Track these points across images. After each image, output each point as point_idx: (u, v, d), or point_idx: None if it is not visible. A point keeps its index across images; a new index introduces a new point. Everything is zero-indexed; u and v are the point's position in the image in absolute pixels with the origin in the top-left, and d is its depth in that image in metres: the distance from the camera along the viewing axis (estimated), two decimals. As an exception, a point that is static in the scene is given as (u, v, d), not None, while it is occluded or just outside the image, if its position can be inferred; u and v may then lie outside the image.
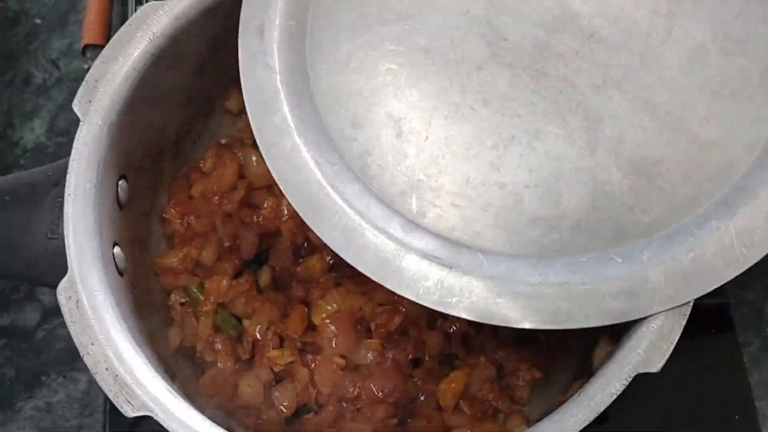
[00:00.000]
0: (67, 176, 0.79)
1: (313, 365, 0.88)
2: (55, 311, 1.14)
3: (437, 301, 0.71)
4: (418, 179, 0.74)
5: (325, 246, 0.92)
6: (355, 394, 0.87)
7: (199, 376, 0.92)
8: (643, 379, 0.73)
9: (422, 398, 0.90)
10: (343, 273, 0.94)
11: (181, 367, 0.93)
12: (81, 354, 0.74)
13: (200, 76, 0.96)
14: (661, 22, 0.77)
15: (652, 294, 0.72)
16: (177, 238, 0.97)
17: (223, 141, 1.02)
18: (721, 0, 0.77)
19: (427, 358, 0.89)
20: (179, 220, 0.96)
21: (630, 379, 0.72)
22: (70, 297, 0.76)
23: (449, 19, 0.78)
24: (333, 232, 0.74)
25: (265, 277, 0.95)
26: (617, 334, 0.84)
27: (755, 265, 0.81)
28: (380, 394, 0.86)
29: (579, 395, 0.72)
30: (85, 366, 0.74)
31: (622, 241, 0.73)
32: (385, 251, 0.72)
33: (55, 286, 0.77)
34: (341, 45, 0.79)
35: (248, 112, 0.78)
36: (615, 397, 0.71)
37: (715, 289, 0.70)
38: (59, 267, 0.77)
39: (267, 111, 0.77)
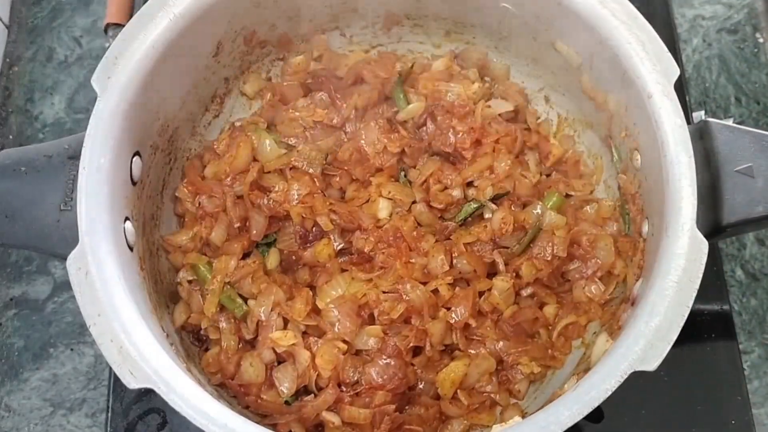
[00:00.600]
0: (83, 150, 0.81)
1: (314, 348, 0.89)
2: (65, 285, 1.16)
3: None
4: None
5: (333, 231, 0.94)
6: (355, 379, 0.88)
7: (203, 354, 0.93)
8: (641, 382, 0.73)
9: (421, 386, 0.91)
10: (349, 260, 0.95)
11: (185, 344, 0.94)
12: (87, 324, 0.76)
13: (218, 58, 0.97)
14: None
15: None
16: (188, 216, 0.98)
17: (238, 123, 1.03)
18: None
19: (428, 347, 0.89)
20: (191, 200, 0.97)
21: (626, 377, 0.72)
22: (80, 268, 0.77)
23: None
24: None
25: (272, 259, 0.96)
26: (615, 332, 0.85)
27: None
28: (380, 380, 0.87)
29: (574, 390, 0.73)
30: (92, 340, 0.75)
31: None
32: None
33: (65, 258, 0.78)
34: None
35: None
36: (610, 393, 0.72)
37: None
38: (71, 239, 0.78)
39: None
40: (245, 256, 0.96)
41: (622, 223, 0.95)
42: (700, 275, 0.76)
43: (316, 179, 0.97)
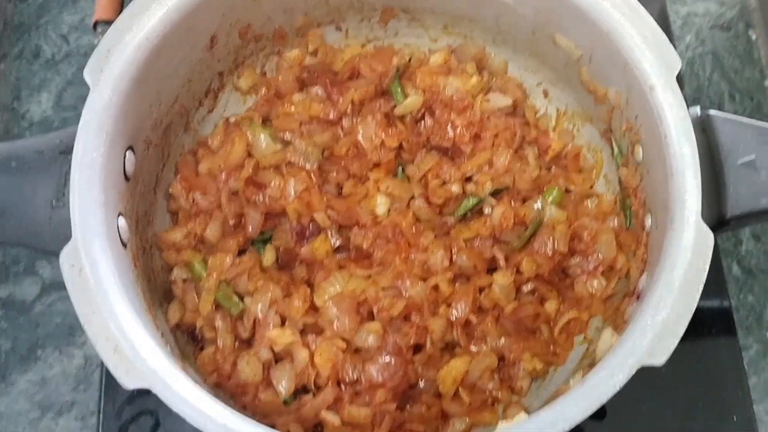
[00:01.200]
0: (75, 143, 0.79)
1: (313, 347, 0.87)
2: (54, 286, 1.13)
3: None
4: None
5: (330, 228, 0.93)
6: (355, 377, 0.86)
7: (198, 353, 0.91)
8: (642, 378, 0.72)
9: (422, 384, 0.89)
10: (347, 256, 0.94)
11: (180, 344, 0.92)
12: (81, 323, 0.73)
13: (212, 52, 0.96)
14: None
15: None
16: (181, 213, 0.96)
17: (232, 118, 1.02)
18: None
19: (428, 344, 0.88)
20: (185, 196, 0.95)
21: (634, 371, 0.71)
22: (73, 265, 0.75)
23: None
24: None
25: (268, 256, 0.94)
26: (621, 327, 0.84)
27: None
28: (380, 377, 0.85)
29: (582, 385, 0.72)
30: (82, 342, 0.73)
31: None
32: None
33: (56, 254, 0.76)
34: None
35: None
36: (618, 388, 0.71)
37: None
38: (63, 235, 0.76)
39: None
40: (241, 253, 0.94)
41: (624, 217, 0.94)
42: (707, 267, 0.75)
43: (312, 175, 0.95)
